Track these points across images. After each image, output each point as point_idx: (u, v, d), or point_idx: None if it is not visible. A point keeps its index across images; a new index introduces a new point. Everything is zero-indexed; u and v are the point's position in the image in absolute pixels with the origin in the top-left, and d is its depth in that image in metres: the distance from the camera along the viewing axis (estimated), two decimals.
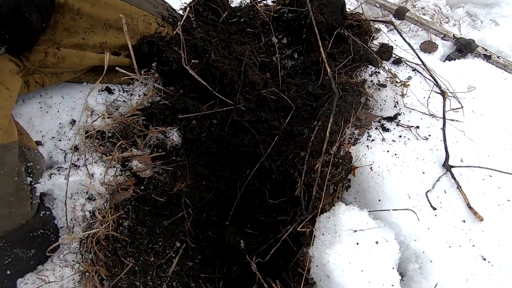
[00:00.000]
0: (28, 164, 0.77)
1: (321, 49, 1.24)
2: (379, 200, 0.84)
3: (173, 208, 1.08)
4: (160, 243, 1.00)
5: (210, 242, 1.15)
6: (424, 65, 1.27)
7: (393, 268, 0.75)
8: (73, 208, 0.78)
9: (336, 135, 1.09)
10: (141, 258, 0.91)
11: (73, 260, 0.72)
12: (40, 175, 0.79)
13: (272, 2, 1.53)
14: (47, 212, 0.76)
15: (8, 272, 0.69)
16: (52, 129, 1.02)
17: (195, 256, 1.09)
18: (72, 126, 1.03)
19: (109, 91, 1.17)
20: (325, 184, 0.94)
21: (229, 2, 1.53)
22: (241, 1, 1.60)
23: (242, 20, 1.44)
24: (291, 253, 1.04)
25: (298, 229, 0.91)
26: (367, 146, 0.98)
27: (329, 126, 1.04)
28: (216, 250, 1.14)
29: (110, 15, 1.05)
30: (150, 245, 0.97)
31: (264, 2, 1.55)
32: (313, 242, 0.80)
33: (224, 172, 1.20)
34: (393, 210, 0.81)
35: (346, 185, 0.96)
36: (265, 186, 1.18)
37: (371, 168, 0.89)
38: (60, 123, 1.05)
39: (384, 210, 0.82)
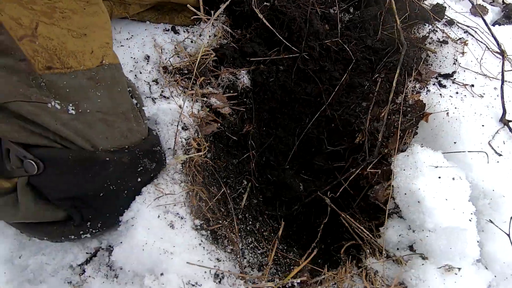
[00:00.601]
0: (129, 89, 0.78)
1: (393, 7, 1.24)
2: (455, 143, 0.90)
3: (240, 149, 1.12)
4: (232, 179, 1.05)
5: (269, 184, 1.21)
6: (486, 24, 1.29)
7: (468, 201, 0.82)
8: (175, 133, 0.80)
9: (400, 86, 1.13)
10: (222, 189, 0.96)
11: (179, 179, 0.77)
12: (141, 99, 0.81)
13: None
14: (156, 133, 0.80)
15: (139, 180, 0.73)
16: (128, 63, 1.02)
17: (257, 195, 1.15)
18: (147, 61, 1.03)
19: (175, 31, 1.16)
20: (397, 130, 0.99)
21: None
22: None
23: None
24: (347, 196, 1.11)
25: (367, 170, 0.98)
26: (440, 94, 1.03)
27: (396, 75, 1.08)
28: (275, 192, 1.21)
29: None
30: (225, 179, 1.02)
31: None
32: (394, 176, 0.87)
33: (284, 120, 1.24)
34: (469, 151, 0.88)
35: (414, 132, 1.01)
36: (323, 134, 1.23)
37: (447, 113, 0.95)
38: (133, 57, 1.05)
39: (461, 152, 0.88)
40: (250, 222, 1.03)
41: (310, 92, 1.22)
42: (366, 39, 1.31)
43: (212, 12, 1.13)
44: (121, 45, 1.08)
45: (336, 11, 1.37)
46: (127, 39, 1.11)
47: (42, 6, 0.71)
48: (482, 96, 1.19)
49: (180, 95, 0.95)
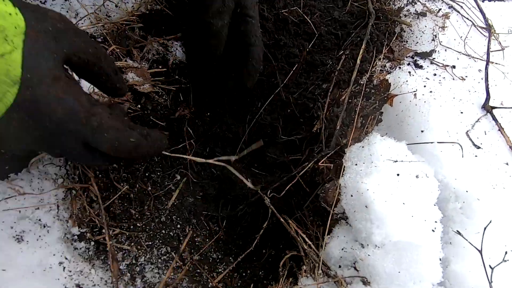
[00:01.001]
0: None
1: None
2: (422, 131, 0.72)
3: (173, 137, 0.94)
4: (159, 173, 0.87)
5: (213, 180, 1.03)
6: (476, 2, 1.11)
7: (434, 204, 0.65)
8: None
9: (366, 64, 0.94)
10: (137, 186, 0.78)
11: (55, 174, 0.58)
12: None
13: None
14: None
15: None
16: None
17: (196, 192, 0.97)
18: None
19: None
20: (356, 116, 0.81)
21: None
22: None
23: None
24: (303, 195, 0.94)
25: (319, 164, 0.80)
26: (409, 72, 0.85)
27: (361, 50, 0.89)
28: (220, 188, 1.03)
29: None
30: (147, 173, 0.84)
31: None
32: (343, 173, 0.69)
33: (232, 104, 1.05)
34: (439, 142, 0.70)
35: (378, 118, 0.83)
36: (278, 121, 1.05)
37: (415, 95, 0.76)
38: None
39: (428, 143, 0.70)
40: (179, 226, 0.86)
41: (262, 71, 1.03)
42: (333, 10, 1.12)
43: None
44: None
45: None
46: (34, 1, 0.90)
47: None
48: (464, 79, 1.01)
49: None
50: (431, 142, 0.71)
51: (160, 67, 0.88)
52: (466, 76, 1.02)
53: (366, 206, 0.60)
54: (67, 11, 0.90)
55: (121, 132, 0.45)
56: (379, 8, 1.08)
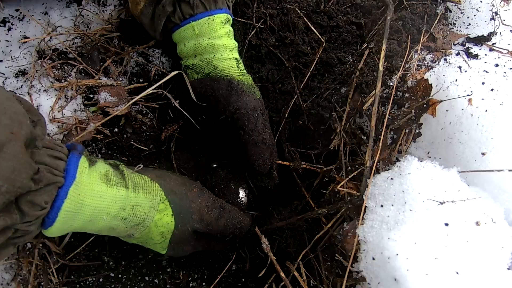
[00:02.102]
0: None
1: None
2: (483, 154, 0.49)
3: (163, 163, 0.80)
4: None
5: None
6: None
7: (508, 268, 0.43)
8: None
9: (398, 59, 0.72)
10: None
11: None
12: None
13: None
14: None
15: None
16: None
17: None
18: (21, 44, 0.75)
19: (79, 2, 0.86)
20: (383, 129, 0.60)
21: None
22: None
23: None
24: (318, 227, 0.74)
25: (338, 187, 0.61)
26: (459, 67, 0.61)
27: (383, 45, 0.67)
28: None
29: None
30: None
31: None
32: (363, 217, 0.49)
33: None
34: (510, 170, 0.47)
35: (415, 132, 0.61)
36: (283, 135, 0.86)
37: (469, 100, 0.53)
38: (8, 40, 0.77)
39: (494, 171, 0.47)
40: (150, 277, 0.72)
41: (266, 76, 0.86)
42: None
43: None
44: (0, 24, 0.81)
45: None
46: (12, 17, 0.83)
47: None
48: None
49: (47, 90, 0.65)
50: (499, 170, 0.47)
51: (140, 80, 0.76)
52: None
53: (395, 279, 0.40)
54: (44, 26, 0.81)
55: None
56: None
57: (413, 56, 0.74)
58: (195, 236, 0.65)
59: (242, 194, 0.78)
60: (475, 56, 0.77)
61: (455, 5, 0.80)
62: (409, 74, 0.67)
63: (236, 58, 0.73)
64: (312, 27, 0.85)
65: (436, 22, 0.78)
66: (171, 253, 0.65)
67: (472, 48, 0.79)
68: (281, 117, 0.86)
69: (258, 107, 0.72)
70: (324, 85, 0.82)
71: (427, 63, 0.74)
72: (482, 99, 0.54)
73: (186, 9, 0.68)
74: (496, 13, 0.79)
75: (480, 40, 0.79)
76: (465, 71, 0.61)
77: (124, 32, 0.77)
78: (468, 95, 0.54)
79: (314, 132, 0.83)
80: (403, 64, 0.70)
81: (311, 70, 0.83)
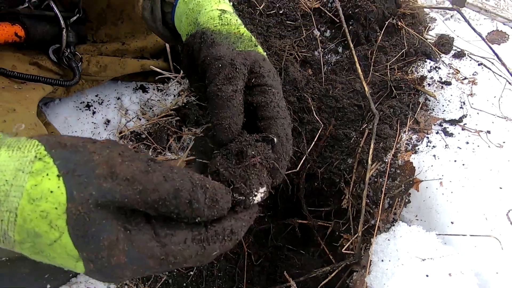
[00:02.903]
0: None
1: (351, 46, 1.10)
2: (452, 223, 0.70)
3: None
4: None
5: None
6: (499, 58, 1.08)
7: None
8: None
9: (391, 140, 0.95)
10: None
11: None
12: None
13: None
14: None
15: (48, 287, 0.64)
16: (87, 129, 0.99)
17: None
18: (106, 126, 0.99)
19: (144, 89, 1.12)
20: (382, 196, 0.81)
21: None
22: None
23: (281, 12, 1.32)
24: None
25: (346, 236, 0.80)
26: (434, 155, 0.84)
27: (370, 152, 0.90)
28: None
29: None
30: None
31: None
32: (370, 269, 0.69)
33: None
34: (471, 235, 0.67)
35: (406, 200, 0.82)
36: (303, 194, 1.07)
37: (441, 183, 0.75)
38: (94, 122, 1.02)
39: (460, 235, 0.68)
40: None
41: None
42: (354, 82, 1.17)
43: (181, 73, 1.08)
44: (85, 109, 1.06)
45: (320, 54, 1.25)
46: (93, 101, 1.09)
47: None
48: (502, 146, 0.96)
49: None
50: (463, 235, 0.68)
51: (194, 153, 0.99)
52: (504, 142, 0.97)
53: None
54: (119, 109, 1.06)
55: None
56: (400, 78, 1.10)
57: (402, 137, 0.97)
58: (118, 221, 0.35)
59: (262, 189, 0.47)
60: (451, 135, 1.00)
61: (433, 96, 1.05)
62: (400, 154, 0.90)
63: (220, 10, 0.61)
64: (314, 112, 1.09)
65: (418, 109, 1.03)
66: (91, 267, 0.36)
67: (448, 127, 1.03)
68: (299, 179, 1.08)
69: (227, 56, 0.53)
70: (334, 155, 1.04)
71: (413, 142, 0.97)
72: (450, 181, 0.76)
73: None
74: (464, 103, 1.03)
75: (454, 122, 1.03)
76: (439, 159, 0.84)
77: (181, 116, 1.02)
78: (440, 178, 0.76)
79: (327, 192, 1.04)
80: (394, 144, 0.93)
81: (323, 142, 1.07)
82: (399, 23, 1.26)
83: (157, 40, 1.08)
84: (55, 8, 0.90)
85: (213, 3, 0.62)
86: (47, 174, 0.33)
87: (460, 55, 1.23)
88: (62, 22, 0.90)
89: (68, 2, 0.98)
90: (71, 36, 0.94)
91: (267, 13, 1.33)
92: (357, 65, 1.10)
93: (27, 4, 0.87)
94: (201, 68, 0.55)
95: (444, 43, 1.25)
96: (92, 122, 1.02)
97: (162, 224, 0.37)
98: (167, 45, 1.09)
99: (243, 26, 0.60)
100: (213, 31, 0.57)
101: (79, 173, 0.33)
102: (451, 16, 1.59)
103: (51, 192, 0.33)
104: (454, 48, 1.26)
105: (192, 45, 0.57)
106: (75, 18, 0.94)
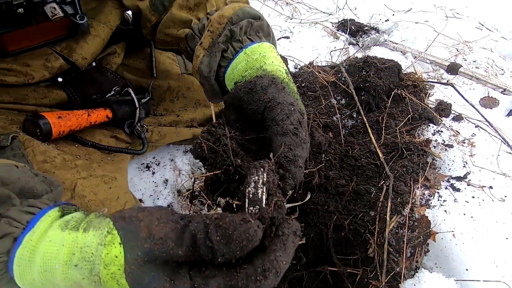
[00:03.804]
0: None
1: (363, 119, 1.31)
2: (467, 270, 0.83)
3: None
4: None
5: None
6: (490, 124, 1.29)
7: None
8: None
9: (407, 195, 1.12)
10: None
11: None
12: None
13: (330, 68, 1.69)
14: None
15: None
16: (149, 188, 1.19)
17: None
18: (165, 185, 1.19)
19: (196, 156, 1.34)
20: (404, 246, 0.95)
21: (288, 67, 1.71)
22: (299, 68, 1.78)
23: (303, 85, 1.59)
24: None
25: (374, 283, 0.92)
26: (445, 210, 1.00)
27: (388, 210, 1.07)
28: None
29: (200, 96, 1.26)
30: None
31: (321, 67, 1.71)
32: None
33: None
34: (484, 281, 0.80)
35: (425, 249, 0.96)
36: (332, 243, 1.21)
37: (453, 235, 0.90)
38: (154, 181, 1.21)
39: (474, 281, 0.81)
40: None
41: (316, 200, 1.26)
42: (370, 144, 1.37)
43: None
44: (146, 170, 1.27)
45: (338, 119, 1.48)
46: (151, 163, 1.30)
47: (84, 160, 0.91)
48: (504, 200, 1.11)
49: None
50: (477, 280, 0.81)
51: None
52: (505, 196, 1.12)
53: None
54: (173, 170, 1.27)
55: None
56: (409, 140, 1.30)
57: (416, 192, 1.14)
58: (164, 273, 0.41)
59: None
60: (458, 190, 1.17)
61: (438, 157, 1.23)
62: (416, 208, 1.06)
63: (285, 70, 0.67)
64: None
65: (428, 167, 1.21)
66: None
67: (455, 183, 1.19)
68: (328, 229, 1.23)
69: (296, 105, 0.59)
70: (358, 208, 1.20)
71: (426, 197, 1.13)
72: (461, 233, 0.91)
73: (237, 44, 0.71)
74: (466, 162, 1.21)
75: (459, 179, 1.20)
76: (449, 213, 1.00)
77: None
78: (452, 231, 0.91)
79: (354, 242, 1.18)
80: (410, 199, 1.09)
81: (346, 197, 1.24)
82: (403, 93, 1.50)
83: (204, 112, 1.33)
84: (132, 93, 1.16)
85: (278, 61, 0.68)
86: (113, 244, 0.43)
87: (458, 118, 1.44)
88: (136, 103, 1.16)
89: (139, 87, 1.25)
90: (142, 113, 1.19)
91: None
92: (369, 130, 1.32)
93: (113, 92, 1.14)
94: (266, 103, 0.58)
95: (443, 108, 1.48)
96: (153, 181, 1.22)
97: (200, 272, 0.41)
98: (213, 116, 1.33)
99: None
100: (283, 80, 0.63)
101: (130, 238, 0.43)
102: (448, 81, 1.84)
103: (116, 257, 0.42)
104: (452, 112, 1.48)
105: (258, 83, 0.61)
106: (146, 99, 1.20)
